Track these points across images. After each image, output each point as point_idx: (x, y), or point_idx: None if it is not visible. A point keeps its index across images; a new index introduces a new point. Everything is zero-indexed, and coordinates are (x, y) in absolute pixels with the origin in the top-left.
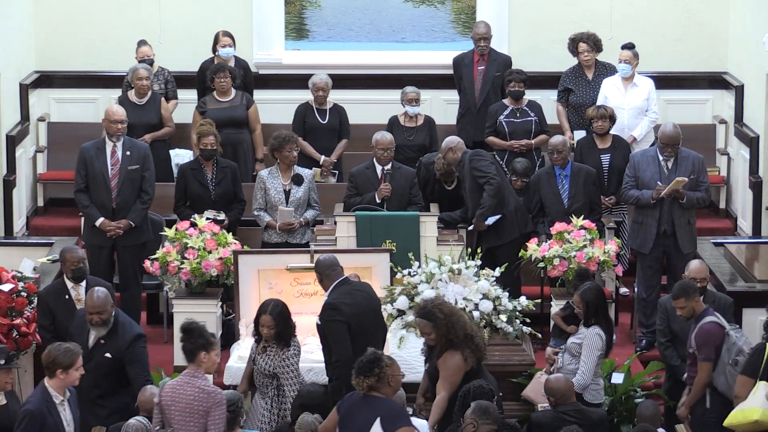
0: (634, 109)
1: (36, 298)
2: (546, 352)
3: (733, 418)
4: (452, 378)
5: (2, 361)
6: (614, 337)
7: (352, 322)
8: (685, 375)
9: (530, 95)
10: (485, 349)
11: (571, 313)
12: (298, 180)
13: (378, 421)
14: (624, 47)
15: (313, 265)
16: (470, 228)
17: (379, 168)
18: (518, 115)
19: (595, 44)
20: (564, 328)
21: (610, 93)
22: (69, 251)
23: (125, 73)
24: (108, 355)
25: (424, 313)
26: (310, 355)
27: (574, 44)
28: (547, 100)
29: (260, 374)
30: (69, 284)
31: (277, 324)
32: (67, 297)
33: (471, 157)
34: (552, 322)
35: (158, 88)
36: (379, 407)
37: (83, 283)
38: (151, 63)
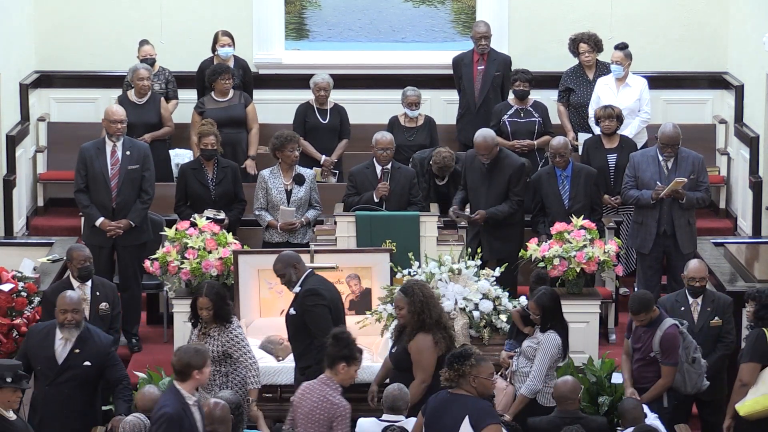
0: (626, 109)
1: (36, 298)
2: (501, 356)
3: (756, 405)
4: (426, 361)
5: (9, 379)
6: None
7: (331, 306)
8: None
9: (530, 95)
10: (455, 341)
11: (528, 313)
12: (299, 180)
13: (467, 419)
14: (616, 48)
15: (276, 260)
16: (474, 217)
17: (378, 168)
18: (522, 115)
19: (596, 44)
20: (521, 329)
21: (603, 93)
22: (76, 250)
23: (125, 73)
24: (87, 363)
25: (404, 288)
26: None
27: (574, 44)
28: (547, 99)
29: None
30: (75, 283)
31: (214, 304)
32: None
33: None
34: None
35: (159, 87)
36: (466, 405)
37: (89, 283)
38: (152, 63)
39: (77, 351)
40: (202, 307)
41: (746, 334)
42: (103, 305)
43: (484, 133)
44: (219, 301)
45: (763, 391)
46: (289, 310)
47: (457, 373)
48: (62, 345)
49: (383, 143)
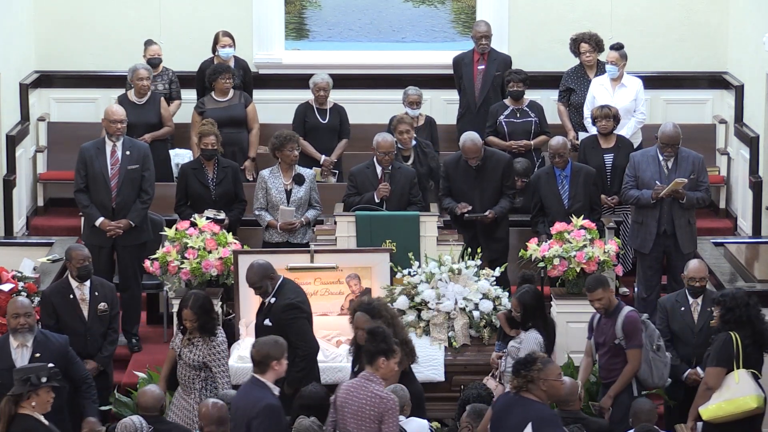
0: (621, 109)
1: (36, 298)
2: (491, 358)
3: (719, 410)
4: (391, 382)
5: (44, 379)
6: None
7: (309, 317)
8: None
9: (530, 95)
10: (416, 355)
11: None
12: (299, 180)
13: (530, 426)
14: (612, 48)
15: (252, 274)
16: (488, 215)
17: (379, 168)
18: (518, 115)
19: (597, 44)
20: (507, 331)
21: (599, 93)
22: (75, 249)
23: (126, 73)
24: (51, 365)
25: (370, 309)
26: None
27: (575, 44)
28: (547, 99)
29: (187, 367)
30: (74, 283)
31: (198, 317)
32: (71, 296)
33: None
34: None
35: (162, 88)
36: (531, 411)
37: (87, 282)
38: (158, 63)
39: (38, 355)
40: (186, 318)
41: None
42: (102, 305)
43: (471, 137)
44: (203, 314)
45: (726, 396)
46: (263, 320)
47: (525, 379)
48: (20, 354)
49: (385, 146)
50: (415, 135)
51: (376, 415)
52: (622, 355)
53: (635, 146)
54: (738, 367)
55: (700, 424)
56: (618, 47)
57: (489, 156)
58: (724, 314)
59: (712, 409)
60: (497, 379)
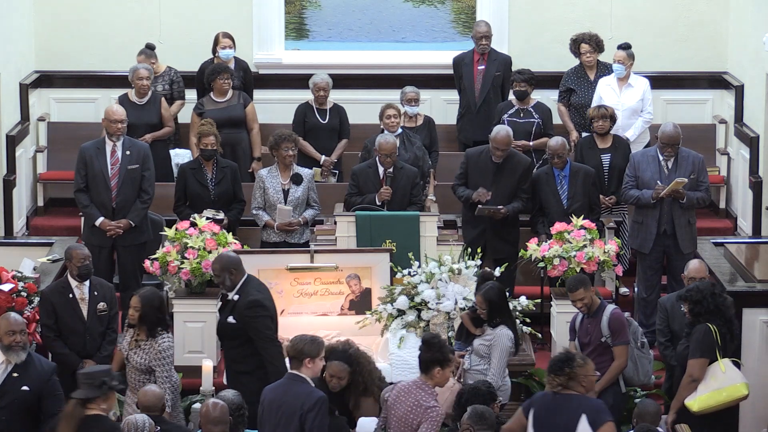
0: (628, 109)
1: (36, 298)
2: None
3: (710, 400)
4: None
5: (115, 382)
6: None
7: (273, 315)
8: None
9: (531, 95)
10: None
11: (478, 316)
12: (297, 179)
13: (584, 417)
14: (619, 47)
15: (214, 261)
16: (494, 210)
17: (381, 168)
18: (522, 115)
19: (597, 45)
20: (472, 330)
21: (605, 93)
22: (76, 248)
23: (128, 73)
24: (25, 388)
25: (346, 358)
26: None
27: (575, 45)
28: (547, 99)
29: (134, 371)
30: (73, 283)
31: (142, 307)
32: (71, 296)
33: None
34: (456, 325)
35: (162, 88)
36: (582, 404)
37: (87, 282)
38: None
39: (15, 375)
40: (131, 305)
41: (687, 332)
42: (101, 305)
43: (507, 129)
44: (149, 307)
45: (714, 386)
46: (226, 317)
47: (568, 377)
48: (6, 364)
49: (386, 149)
50: (403, 124)
51: (417, 424)
52: (609, 353)
53: (643, 146)
54: (720, 357)
55: (665, 417)
56: (626, 47)
57: (511, 155)
58: (693, 308)
59: (702, 399)
60: (456, 377)
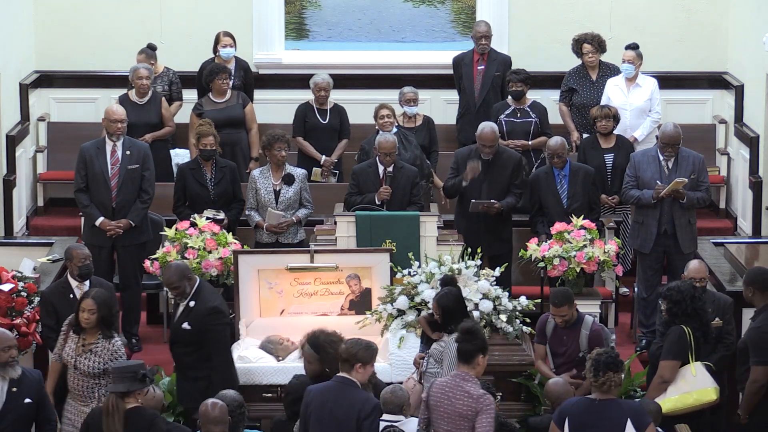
0: (636, 109)
1: (36, 298)
2: (414, 358)
3: (678, 403)
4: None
5: (150, 373)
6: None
7: (230, 322)
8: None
9: (530, 95)
10: None
11: (436, 320)
12: (288, 180)
13: (629, 423)
14: (628, 47)
15: (171, 273)
16: (487, 204)
17: (381, 168)
18: (519, 115)
19: (600, 45)
20: (429, 335)
21: (613, 93)
22: (76, 248)
23: (128, 73)
24: (28, 400)
25: (315, 345)
26: None
27: (578, 45)
28: (547, 99)
29: (83, 377)
30: (73, 283)
31: (99, 309)
32: (71, 296)
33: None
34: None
35: (161, 89)
36: (624, 409)
37: (87, 282)
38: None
39: (15, 390)
40: (86, 309)
41: (660, 331)
42: None
43: (491, 125)
44: (105, 308)
45: (684, 389)
46: (181, 324)
47: (614, 381)
48: (6, 379)
49: (386, 148)
50: (402, 124)
51: (472, 415)
52: (583, 366)
53: (651, 146)
54: (693, 360)
55: None
56: (634, 47)
57: (501, 152)
58: (672, 308)
59: (671, 401)
60: (418, 379)
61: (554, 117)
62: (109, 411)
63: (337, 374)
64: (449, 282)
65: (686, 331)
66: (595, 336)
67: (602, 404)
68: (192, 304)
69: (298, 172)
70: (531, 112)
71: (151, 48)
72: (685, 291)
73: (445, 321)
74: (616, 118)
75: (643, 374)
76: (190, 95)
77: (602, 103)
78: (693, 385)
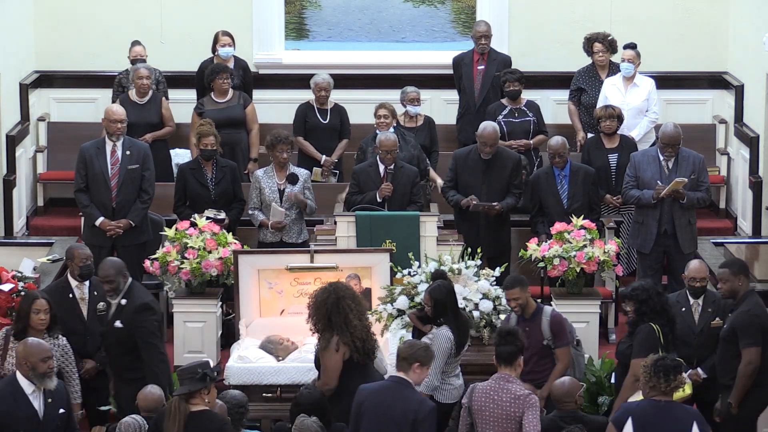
0: (633, 109)
1: None
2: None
3: None
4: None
5: (215, 373)
6: (469, 338)
7: (161, 320)
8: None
9: (530, 95)
10: (372, 346)
11: (425, 314)
12: (292, 179)
13: (695, 425)
14: (626, 47)
15: (108, 267)
16: (488, 206)
17: (381, 167)
18: (516, 115)
19: (610, 45)
20: (420, 328)
21: (611, 93)
22: (77, 248)
23: (119, 73)
24: (62, 410)
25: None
26: (310, 355)
27: (589, 44)
28: (547, 99)
29: None
30: (73, 283)
31: (51, 308)
32: (71, 296)
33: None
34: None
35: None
36: (689, 412)
37: (87, 282)
38: (143, 63)
39: (50, 401)
40: (40, 309)
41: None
42: (101, 305)
43: (493, 125)
44: (55, 308)
45: None
46: (113, 322)
47: (676, 383)
48: (36, 399)
49: (387, 145)
50: (404, 123)
51: (520, 415)
52: (550, 356)
53: (648, 146)
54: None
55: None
56: (633, 46)
57: (500, 152)
58: (640, 307)
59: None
60: None
61: (550, 116)
62: (170, 413)
63: (393, 374)
64: (440, 276)
65: (655, 329)
66: (555, 321)
67: (669, 405)
68: (124, 302)
69: (302, 172)
70: (528, 112)
71: (133, 44)
72: (650, 289)
73: (436, 313)
74: (620, 119)
75: None
76: (190, 95)
77: (600, 102)
78: None
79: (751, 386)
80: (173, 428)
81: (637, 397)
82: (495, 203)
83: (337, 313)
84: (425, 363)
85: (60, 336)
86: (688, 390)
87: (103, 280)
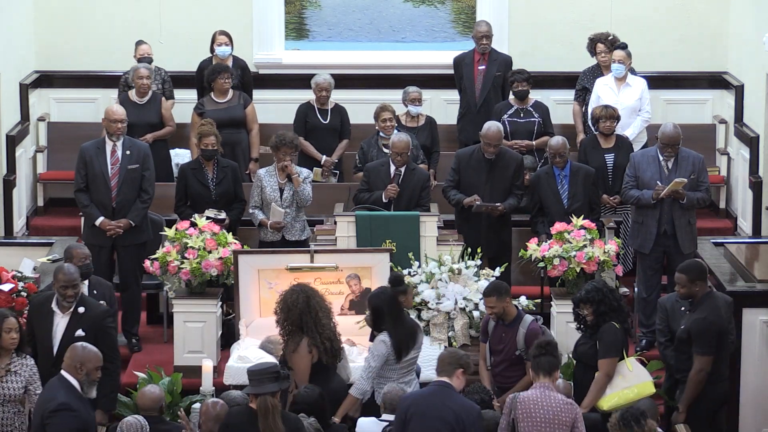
0: (626, 108)
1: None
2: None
3: (621, 399)
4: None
5: (286, 371)
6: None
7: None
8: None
9: (530, 95)
10: (338, 347)
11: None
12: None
13: None
14: (618, 47)
15: (74, 272)
16: (491, 207)
17: (393, 167)
18: (522, 115)
19: (612, 45)
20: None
21: (603, 93)
22: (76, 248)
23: (122, 73)
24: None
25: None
26: None
27: (592, 44)
28: (547, 99)
29: (8, 404)
30: None
31: (20, 327)
32: None
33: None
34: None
35: (155, 87)
36: None
37: (86, 282)
38: (150, 62)
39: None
40: (12, 328)
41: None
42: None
43: (497, 125)
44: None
45: (622, 385)
46: (74, 331)
47: (648, 427)
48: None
49: (399, 147)
50: (405, 123)
51: (570, 421)
52: (521, 365)
53: (641, 146)
54: (627, 355)
55: None
56: (623, 46)
57: (503, 153)
58: (598, 308)
59: (611, 398)
60: None
61: (557, 117)
62: (268, 411)
63: (437, 379)
64: (397, 281)
65: (618, 327)
66: (532, 334)
67: None
68: (81, 309)
69: (303, 171)
70: (534, 112)
71: (138, 44)
72: (602, 288)
73: (375, 321)
74: (618, 119)
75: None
76: (190, 95)
77: (591, 102)
78: (631, 380)
79: (707, 384)
80: (275, 425)
81: (606, 395)
82: (498, 204)
83: (308, 312)
84: (468, 369)
85: (26, 355)
86: (653, 388)
87: (68, 285)
